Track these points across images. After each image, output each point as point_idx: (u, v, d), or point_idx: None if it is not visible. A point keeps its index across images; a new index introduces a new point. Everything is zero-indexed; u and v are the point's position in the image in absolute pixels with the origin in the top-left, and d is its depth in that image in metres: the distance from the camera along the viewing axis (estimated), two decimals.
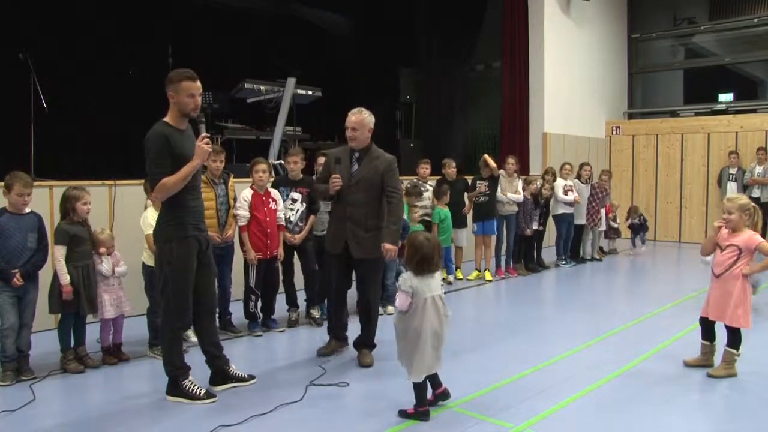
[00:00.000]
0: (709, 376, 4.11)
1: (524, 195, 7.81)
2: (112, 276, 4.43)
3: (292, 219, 5.43)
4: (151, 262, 4.42)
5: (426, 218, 7.05)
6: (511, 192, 7.65)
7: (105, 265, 4.40)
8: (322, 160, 5.51)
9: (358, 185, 4.33)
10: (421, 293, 3.35)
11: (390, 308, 5.92)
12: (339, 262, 4.48)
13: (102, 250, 4.40)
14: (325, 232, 5.50)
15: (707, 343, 4.30)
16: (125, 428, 3.38)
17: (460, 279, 7.63)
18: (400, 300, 3.32)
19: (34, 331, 4.69)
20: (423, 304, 3.35)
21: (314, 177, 5.58)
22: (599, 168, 10.04)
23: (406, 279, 3.34)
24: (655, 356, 4.60)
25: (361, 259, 4.37)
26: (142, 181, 4.67)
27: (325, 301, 5.26)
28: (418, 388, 3.44)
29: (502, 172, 7.57)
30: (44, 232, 4.23)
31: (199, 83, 3.64)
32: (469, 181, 7.69)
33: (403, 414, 3.45)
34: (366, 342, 4.52)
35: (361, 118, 4.32)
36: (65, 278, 4.15)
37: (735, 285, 4.04)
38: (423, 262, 3.38)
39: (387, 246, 4.24)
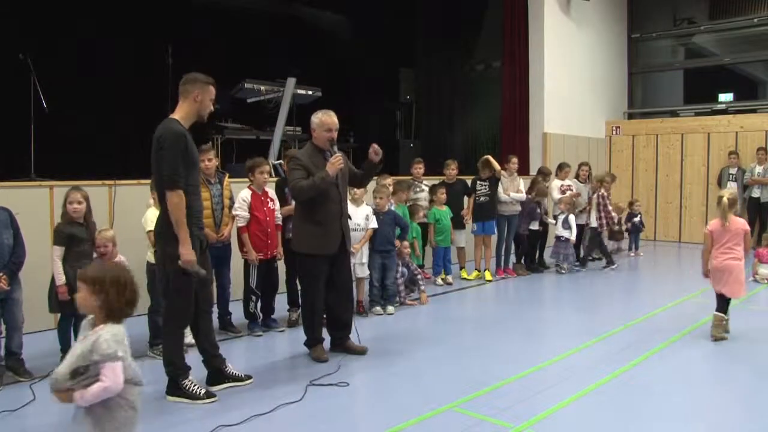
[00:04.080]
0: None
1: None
2: None
3: None
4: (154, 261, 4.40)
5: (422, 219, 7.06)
6: (513, 191, 7.65)
7: None
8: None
9: (343, 180, 4.52)
10: (130, 354, 2.27)
11: (390, 308, 5.92)
12: (330, 261, 4.50)
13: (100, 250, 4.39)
14: None
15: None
16: None
17: (466, 278, 7.64)
18: (116, 374, 2.15)
19: (35, 331, 4.71)
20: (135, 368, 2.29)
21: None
22: (599, 168, 9.99)
23: (118, 336, 2.21)
24: (655, 356, 4.60)
25: (344, 252, 4.57)
26: (142, 181, 4.66)
27: (302, 309, 4.80)
28: None
29: (504, 172, 7.56)
30: (17, 225, 4.11)
31: None
32: (469, 183, 7.69)
33: None
34: (347, 329, 4.72)
35: (336, 119, 4.50)
36: (60, 278, 4.13)
37: None
38: (133, 303, 2.38)
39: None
